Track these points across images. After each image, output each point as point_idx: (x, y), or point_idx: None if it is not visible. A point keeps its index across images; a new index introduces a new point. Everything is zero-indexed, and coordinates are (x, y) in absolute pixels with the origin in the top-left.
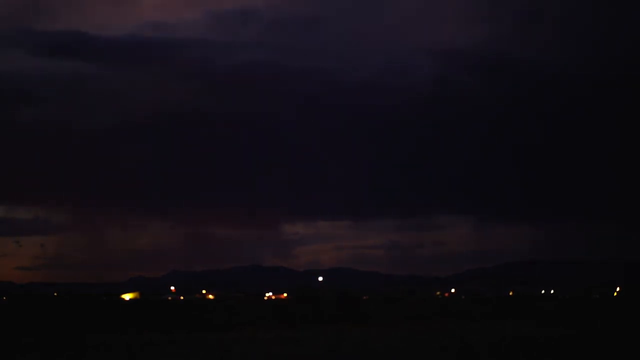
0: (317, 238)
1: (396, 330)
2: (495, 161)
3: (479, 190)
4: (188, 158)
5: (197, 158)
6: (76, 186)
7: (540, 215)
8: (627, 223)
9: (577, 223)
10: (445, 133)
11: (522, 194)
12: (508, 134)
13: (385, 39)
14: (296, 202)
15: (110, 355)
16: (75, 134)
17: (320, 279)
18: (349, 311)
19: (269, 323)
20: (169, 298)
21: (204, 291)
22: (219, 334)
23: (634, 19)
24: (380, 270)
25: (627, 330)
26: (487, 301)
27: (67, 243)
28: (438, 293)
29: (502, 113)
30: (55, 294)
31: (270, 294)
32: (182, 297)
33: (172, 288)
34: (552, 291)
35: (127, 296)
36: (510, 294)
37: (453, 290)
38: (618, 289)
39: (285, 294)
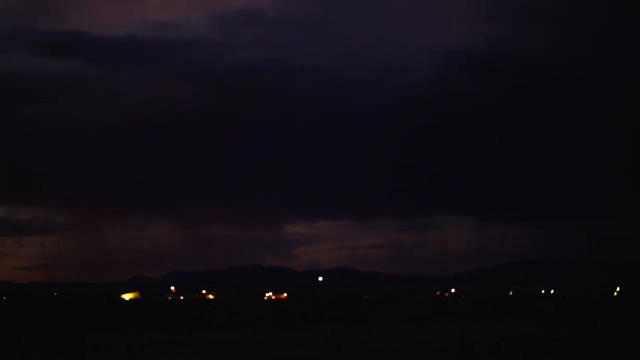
0: (317, 238)
1: (396, 330)
2: (496, 161)
3: (479, 190)
4: (188, 158)
5: (197, 158)
6: (76, 186)
7: (540, 215)
8: (627, 223)
9: (577, 223)
10: (446, 133)
11: (522, 194)
12: (508, 134)
13: (385, 39)
14: (296, 202)
15: (110, 355)
16: (76, 134)
17: (320, 279)
18: (349, 311)
19: (269, 323)
20: (169, 298)
21: (204, 291)
22: (219, 334)
23: (634, 19)
24: (380, 270)
25: (627, 330)
26: (487, 301)
27: (67, 243)
28: (438, 293)
29: (502, 113)
30: (55, 294)
31: (270, 294)
32: (182, 297)
33: (172, 288)
34: (552, 291)
35: (127, 296)
36: (510, 294)
37: (453, 290)
38: (618, 289)
39: (285, 294)
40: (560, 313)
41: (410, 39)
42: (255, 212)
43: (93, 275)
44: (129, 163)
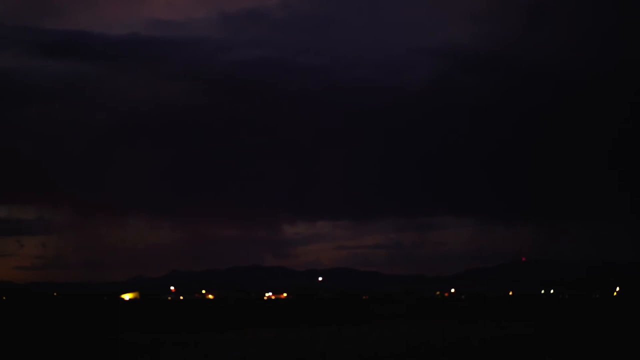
0: (317, 238)
1: (396, 330)
2: (495, 161)
3: (479, 191)
4: (188, 158)
5: (197, 158)
6: (76, 186)
7: (540, 215)
8: (627, 223)
9: (577, 223)
10: (445, 133)
11: (522, 194)
12: (508, 134)
13: (385, 39)
14: (296, 202)
15: (111, 355)
16: (76, 134)
17: (320, 279)
18: (349, 311)
19: (269, 323)
20: (169, 298)
21: (203, 291)
22: (219, 334)
23: (635, 18)
24: (380, 270)
25: (626, 330)
26: (487, 301)
27: (67, 243)
28: (438, 293)
29: (502, 113)
30: (55, 294)
31: (270, 294)
32: (182, 297)
33: (172, 288)
34: (552, 291)
35: (127, 296)
36: (510, 294)
37: (453, 290)
38: (618, 289)
39: (285, 294)
40: (560, 313)
41: (410, 38)
42: (255, 212)
43: (93, 275)
44: (129, 163)
